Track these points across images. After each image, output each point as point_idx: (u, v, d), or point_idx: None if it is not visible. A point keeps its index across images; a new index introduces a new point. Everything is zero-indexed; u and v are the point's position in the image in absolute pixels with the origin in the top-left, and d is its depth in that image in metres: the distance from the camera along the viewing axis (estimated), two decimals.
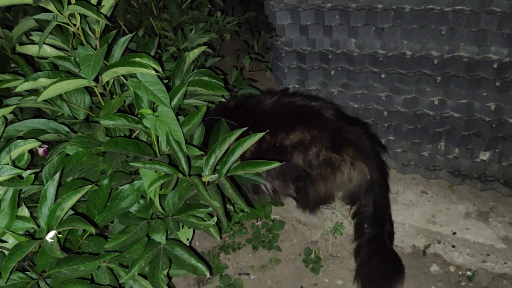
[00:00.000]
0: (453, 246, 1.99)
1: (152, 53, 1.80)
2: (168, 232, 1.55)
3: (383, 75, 2.00)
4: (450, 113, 2.00)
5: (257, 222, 2.27)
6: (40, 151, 1.57)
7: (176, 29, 2.56)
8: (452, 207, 2.10)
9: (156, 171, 1.36)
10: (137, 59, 1.41)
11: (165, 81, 1.75)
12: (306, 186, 1.92)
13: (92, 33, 1.50)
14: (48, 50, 1.44)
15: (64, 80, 1.30)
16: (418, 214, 2.09)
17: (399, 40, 1.92)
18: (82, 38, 1.46)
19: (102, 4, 1.43)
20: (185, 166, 1.42)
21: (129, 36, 1.53)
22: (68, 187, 1.36)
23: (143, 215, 1.52)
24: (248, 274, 2.05)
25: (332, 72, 2.09)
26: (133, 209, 1.49)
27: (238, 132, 1.50)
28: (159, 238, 1.47)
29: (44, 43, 1.44)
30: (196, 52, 1.79)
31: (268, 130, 1.52)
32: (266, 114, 1.89)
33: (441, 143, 2.08)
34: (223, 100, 1.90)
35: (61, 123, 1.56)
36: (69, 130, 1.54)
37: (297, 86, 2.24)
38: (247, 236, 2.20)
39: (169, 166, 1.37)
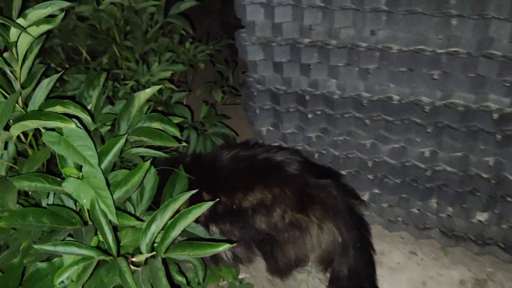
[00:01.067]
0: None
1: (97, 91, 1.53)
2: None
3: (367, 121, 1.74)
4: (443, 167, 1.74)
5: (221, 282, 1.97)
6: None
7: (142, 58, 2.30)
8: (444, 273, 1.83)
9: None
10: (57, 107, 1.14)
11: (107, 128, 1.49)
12: (273, 251, 1.64)
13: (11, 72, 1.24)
14: None
15: None
16: (406, 280, 1.81)
17: (385, 83, 1.67)
18: None
19: (18, 40, 1.16)
20: (112, 244, 1.13)
21: (54, 76, 1.26)
22: None
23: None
24: None
25: (310, 116, 1.83)
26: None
27: (185, 196, 1.22)
28: None
29: None
30: (148, 92, 1.52)
31: (217, 199, 1.25)
32: (222, 171, 1.63)
33: (433, 200, 1.82)
34: (181, 145, 1.63)
35: None
36: None
37: (271, 129, 1.98)
38: None
39: (88, 247, 1.08)
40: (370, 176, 1.87)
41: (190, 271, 1.81)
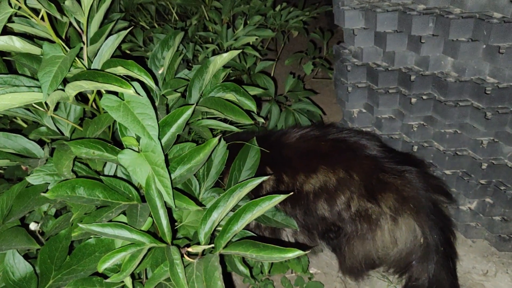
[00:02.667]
0: None
1: (170, 53, 1.37)
2: None
3: (489, 114, 1.39)
4: None
5: (288, 274, 1.78)
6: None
7: (232, 21, 2.12)
8: None
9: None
10: (119, 68, 0.99)
11: (177, 95, 1.33)
12: (341, 245, 1.40)
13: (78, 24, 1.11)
14: (17, 43, 1.07)
15: (8, 94, 0.92)
16: None
17: None
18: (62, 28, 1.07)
19: None
20: (166, 229, 0.98)
21: (122, 33, 1.12)
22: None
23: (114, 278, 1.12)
24: None
25: (414, 100, 1.51)
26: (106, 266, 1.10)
27: (255, 182, 1.03)
28: None
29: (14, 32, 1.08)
30: (225, 57, 1.33)
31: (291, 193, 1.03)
32: (287, 149, 1.42)
33: None
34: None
35: (39, 140, 1.21)
36: (41, 152, 1.18)
37: (363, 111, 1.70)
38: None
39: (140, 232, 0.94)
40: (483, 181, 1.52)
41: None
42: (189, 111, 1.09)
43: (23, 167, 1.26)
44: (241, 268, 1.27)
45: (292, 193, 1.02)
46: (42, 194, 0.94)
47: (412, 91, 1.51)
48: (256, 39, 2.01)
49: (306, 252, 0.90)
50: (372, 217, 1.32)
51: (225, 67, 1.44)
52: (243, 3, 2.24)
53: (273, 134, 1.55)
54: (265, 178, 1.06)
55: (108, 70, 1.01)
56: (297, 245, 1.48)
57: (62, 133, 1.28)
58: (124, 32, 1.12)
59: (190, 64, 1.84)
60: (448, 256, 1.34)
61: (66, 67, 0.95)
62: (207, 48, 1.85)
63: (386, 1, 1.42)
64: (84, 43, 1.13)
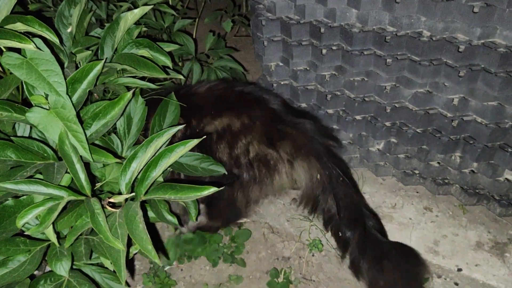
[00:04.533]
0: (456, 284, 1.58)
1: (77, 10, 1.33)
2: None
3: (389, 61, 1.52)
4: (473, 117, 1.52)
5: None
6: None
7: None
8: (460, 233, 1.67)
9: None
10: (18, 24, 0.97)
11: (88, 53, 1.31)
12: (233, 192, 1.53)
13: None
14: None
15: None
16: (417, 238, 1.67)
17: (415, 16, 1.42)
18: None
19: None
20: (84, 182, 1.00)
21: None
22: None
23: (43, 236, 1.13)
24: None
25: (324, 51, 1.60)
26: (28, 227, 1.10)
27: (170, 131, 1.07)
28: (61, 269, 1.09)
29: None
30: (137, 13, 1.32)
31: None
32: (197, 97, 1.49)
33: (456, 154, 1.62)
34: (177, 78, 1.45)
35: None
36: None
37: (280, 64, 1.77)
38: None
39: (57, 186, 0.95)
40: (388, 123, 1.67)
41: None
42: (98, 66, 1.09)
43: None
44: (169, 217, 1.32)
45: (204, 137, 1.07)
46: None
47: (323, 43, 1.60)
48: None
49: (220, 188, 0.97)
50: (270, 162, 1.47)
51: (139, 24, 1.43)
52: None
53: (183, 87, 1.61)
54: (180, 127, 1.10)
55: (6, 26, 0.97)
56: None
57: None
58: None
59: (104, 24, 1.78)
60: (347, 183, 1.51)
61: None
62: (121, 6, 1.80)
63: None
64: None
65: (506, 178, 1.59)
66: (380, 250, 1.44)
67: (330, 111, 1.77)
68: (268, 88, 1.80)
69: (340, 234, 1.51)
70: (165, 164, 1.02)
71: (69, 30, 1.35)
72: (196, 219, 1.53)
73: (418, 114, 1.59)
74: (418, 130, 1.62)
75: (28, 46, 0.91)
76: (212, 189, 0.96)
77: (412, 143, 1.65)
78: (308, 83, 1.76)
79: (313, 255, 1.76)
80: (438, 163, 1.68)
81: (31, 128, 1.16)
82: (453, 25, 1.40)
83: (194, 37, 2.17)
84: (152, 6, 1.37)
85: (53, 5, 1.86)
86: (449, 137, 1.57)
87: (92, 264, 1.27)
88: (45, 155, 1.08)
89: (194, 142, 1.02)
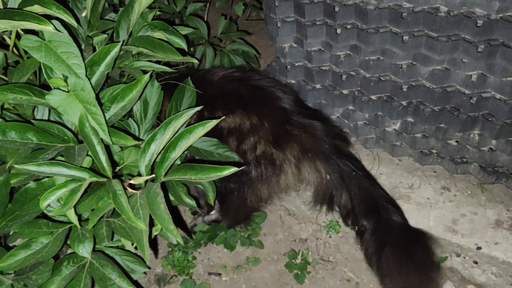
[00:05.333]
0: (475, 262, 1.57)
1: None
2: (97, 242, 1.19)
3: (406, 38, 1.49)
4: (492, 94, 1.50)
5: None
6: None
7: None
8: (479, 212, 1.66)
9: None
10: (35, 6, 0.97)
11: (104, 36, 1.31)
12: (243, 188, 1.55)
13: None
14: None
15: None
16: (435, 218, 1.66)
17: None
18: None
19: None
20: (105, 164, 1.01)
21: None
22: None
23: (65, 218, 1.15)
24: (219, 274, 1.70)
25: (339, 31, 1.58)
26: (51, 209, 1.12)
27: (189, 112, 1.07)
28: (84, 250, 1.11)
29: None
30: None
31: (223, 117, 1.09)
32: (210, 87, 1.47)
33: (475, 131, 1.60)
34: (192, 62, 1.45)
35: None
36: None
37: (294, 45, 1.75)
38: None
39: (79, 168, 0.96)
40: (404, 102, 1.65)
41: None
42: (116, 48, 1.09)
43: None
44: (187, 200, 1.33)
45: (224, 117, 1.07)
46: None
47: (337, 22, 1.57)
48: None
49: (241, 168, 0.97)
50: (276, 162, 1.48)
51: (152, 8, 1.42)
52: None
53: (197, 72, 1.60)
54: (198, 108, 1.10)
55: (27, 8, 0.97)
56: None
57: None
58: None
59: (117, 9, 1.78)
60: (362, 176, 1.51)
61: None
62: None
63: None
64: None
65: None
66: (394, 240, 1.44)
67: (345, 91, 1.75)
68: (281, 82, 1.80)
69: (357, 228, 1.53)
70: (184, 145, 1.02)
71: (83, 14, 1.35)
72: (214, 203, 1.54)
73: (435, 92, 1.57)
74: (435, 109, 1.60)
75: (47, 28, 0.91)
76: (233, 169, 0.96)
77: (430, 122, 1.63)
78: (323, 64, 1.74)
79: (330, 237, 1.77)
80: (456, 141, 1.66)
81: (49, 111, 1.17)
82: (471, 0, 1.37)
83: (204, 20, 2.15)
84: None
85: None
86: (467, 114, 1.55)
87: (112, 247, 1.29)
88: (65, 138, 1.09)
89: (213, 122, 1.01)
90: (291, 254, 1.70)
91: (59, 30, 0.95)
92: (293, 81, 1.86)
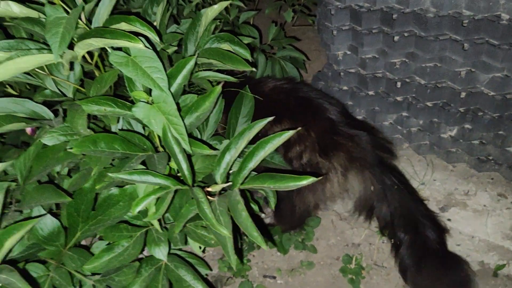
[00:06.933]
0: None
1: (161, 8, 1.40)
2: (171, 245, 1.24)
3: (466, 45, 1.49)
4: None
5: None
6: (28, 129, 1.28)
7: None
8: None
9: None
10: (122, 24, 1.03)
11: (174, 49, 1.37)
12: (291, 194, 1.57)
13: None
14: (14, 8, 1.08)
15: (21, 57, 0.95)
16: (492, 225, 1.65)
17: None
18: None
19: None
20: (186, 172, 1.06)
21: None
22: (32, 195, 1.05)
23: (141, 223, 1.21)
24: (274, 277, 1.74)
25: (396, 38, 1.59)
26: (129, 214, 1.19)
27: (260, 124, 1.11)
28: (160, 253, 1.17)
29: None
30: (216, 8, 1.37)
31: (299, 128, 1.14)
32: (261, 96, 1.51)
33: None
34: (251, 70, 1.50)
35: (43, 103, 1.23)
36: (51, 114, 1.22)
37: (348, 53, 1.77)
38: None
39: (164, 176, 1.01)
40: (462, 109, 1.65)
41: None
42: (192, 62, 1.14)
43: (28, 131, 1.30)
44: (251, 205, 1.38)
45: (299, 128, 1.11)
46: (68, 149, 1.00)
47: (395, 29, 1.59)
48: None
49: (319, 178, 1.00)
50: (322, 171, 1.53)
51: (215, 19, 1.47)
52: None
53: (250, 80, 1.66)
54: (270, 118, 1.14)
55: (112, 26, 1.04)
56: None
57: (65, 95, 1.31)
58: None
59: (177, 20, 1.84)
60: (405, 189, 1.54)
61: (72, 27, 0.98)
62: (190, 2, 1.86)
63: None
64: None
65: None
66: (428, 258, 1.46)
67: (400, 98, 1.76)
68: (329, 94, 1.84)
69: (393, 241, 1.56)
70: (261, 155, 1.07)
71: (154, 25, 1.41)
72: (275, 207, 1.59)
73: (495, 99, 1.55)
74: (494, 115, 1.59)
75: (138, 45, 0.97)
76: (311, 179, 0.99)
77: (488, 128, 1.62)
78: (377, 71, 1.75)
79: (383, 242, 1.77)
80: None
81: (123, 119, 1.24)
82: None
83: (251, 24, 2.20)
84: (229, 2, 1.41)
85: (124, 3, 1.94)
86: None
87: (180, 250, 1.35)
88: (145, 147, 1.15)
89: (290, 133, 1.05)
90: (345, 258, 1.72)
91: (147, 47, 1.01)
92: (345, 88, 1.88)
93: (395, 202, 1.53)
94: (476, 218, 1.68)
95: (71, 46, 1.03)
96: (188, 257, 1.37)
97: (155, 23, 1.41)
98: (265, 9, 2.27)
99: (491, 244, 1.61)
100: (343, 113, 1.62)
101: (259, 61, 2.00)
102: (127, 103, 1.11)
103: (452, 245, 1.66)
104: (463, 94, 1.61)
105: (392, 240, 1.56)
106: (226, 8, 1.99)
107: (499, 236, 1.61)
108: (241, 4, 1.87)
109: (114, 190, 1.14)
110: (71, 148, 1.03)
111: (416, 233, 1.49)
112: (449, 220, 1.70)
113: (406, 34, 1.58)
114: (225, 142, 1.39)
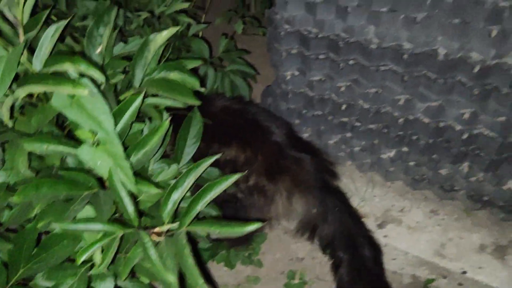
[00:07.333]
0: (460, 284, 1.71)
1: (108, 30, 1.35)
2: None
3: (406, 77, 1.58)
4: (482, 131, 1.61)
5: None
6: None
7: None
8: (465, 236, 1.79)
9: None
10: (66, 64, 0.99)
11: (121, 78, 1.34)
12: (237, 215, 1.65)
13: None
14: None
15: None
16: (424, 242, 1.78)
17: (433, 35, 1.47)
18: None
19: None
20: (132, 216, 1.05)
21: (62, 23, 1.09)
22: None
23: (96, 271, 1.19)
24: None
25: (342, 65, 1.65)
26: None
27: (207, 162, 1.13)
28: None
29: None
30: (165, 35, 1.34)
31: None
32: (209, 117, 1.52)
33: (465, 164, 1.71)
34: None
35: None
36: None
37: (296, 73, 1.81)
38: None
39: (109, 223, 1.01)
40: (400, 133, 1.75)
41: None
42: (138, 100, 1.13)
43: None
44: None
45: (246, 171, 1.14)
46: (11, 199, 0.96)
47: (340, 57, 1.64)
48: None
49: (264, 224, 1.04)
50: (267, 193, 1.59)
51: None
52: None
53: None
54: (218, 156, 1.16)
55: (56, 67, 1.00)
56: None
57: (1, 122, 1.24)
58: (64, 22, 1.09)
59: (121, 31, 1.79)
60: (346, 211, 1.63)
61: (13, 68, 0.93)
62: (138, 15, 1.80)
63: None
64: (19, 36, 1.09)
65: (509, 187, 1.69)
66: (363, 275, 1.55)
67: (344, 119, 1.83)
68: (277, 111, 1.94)
69: (333, 260, 1.63)
70: (209, 197, 1.08)
71: (98, 50, 1.36)
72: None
73: (430, 126, 1.66)
74: (429, 141, 1.70)
75: (83, 93, 0.94)
76: (256, 225, 1.02)
77: (423, 153, 1.74)
78: (324, 92, 1.81)
79: (325, 256, 1.86)
80: (447, 171, 1.78)
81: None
82: (468, 45, 1.45)
83: (200, 36, 2.18)
84: (179, 28, 1.39)
85: (67, 8, 1.85)
86: (458, 148, 1.66)
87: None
88: (90, 184, 1.13)
89: (236, 176, 1.08)
90: (290, 274, 1.79)
91: (91, 87, 0.98)
92: (293, 106, 1.92)
93: (335, 223, 1.60)
94: (410, 234, 1.81)
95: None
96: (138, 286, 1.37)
97: (101, 47, 1.36)
98: (214, 21, 2.26)
99: (423, 260, 1.74)
100: (289, 135, 1.67)
101: (209, 75, 1.99)
102: (71, 142, 1.08)
103: (388, 260, 1.78)
104: (401, 120, 1.71)
105: (333, 259, 1.64)
106: (176, 20, 1.96)
107: (430, 252, 1.75)
108: (191, 21, 1.84)
109: (58, 230, 1.11)
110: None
111: (354, 252, 1.57)
112: (385, 236, 1.81)
113: (350, 62, 1.64)
114: (173, 167, 1.39)
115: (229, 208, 1.63)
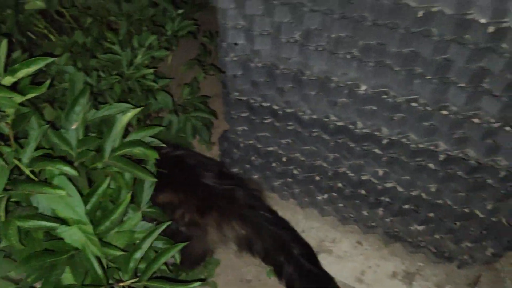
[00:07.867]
0: None
1: (83, 110, 1.65)
2: None
3: (332, 143, 1.93)
4: (393, 184, 1.98)
5: None
6: None
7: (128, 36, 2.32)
8: (382, 264, 2.18)
9: None
10: (48, 167, 1.31)
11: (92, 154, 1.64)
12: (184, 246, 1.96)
13: None
14: None
15: None
16: (349, 269, 2.17)
17: (351, 115, 1.82)
18: None
19: None
20: (102, 277, 1.39)
21: (44, 127, 1.39)
22: None
23: None
24: None
25: (282, 129, 1.99)
26: None
27: (160, 229, 1.49)
28: None
29: None
30: (130, 115, 1.65)
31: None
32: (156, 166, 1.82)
33: (380, 209, 2.09)
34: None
35: None
36: None
37: (246, 129, 2.15)
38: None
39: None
40: (331, 183, 2.11)
41: None
42: (105, 184, 1.45)
43: None
44: None
45: (188, 242, 1.48)
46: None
47: (280, 122, 1.98)
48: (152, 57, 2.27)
49: (205, 281, 1.40)
50: (201, 226, 1.93)
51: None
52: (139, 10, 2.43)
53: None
54: (168, 223, 1.50)
55: (40, 166, 1.31)
56: None
57: None
58: (45, 127, 1.39)
59: (94, 92, 2.07)
60: (278, 224, 1.94)
61: (6, 175, 1.24)
62: (111, 75, 2.09)
63: (257, 59, 1.81)
64: None
65: (416, 228, 2.08)
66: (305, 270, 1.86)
67: (286, 167, 2.19)
68: (210, 159, 2.29)
69: (276, 268, 1.94)
70: (164, 259, 1.43)
71: (74, 126, 1.66)
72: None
73: (353, 178, 2.03)
74: (352, 190, 2.07)
75: (61, 193, 1.26)
76: (197, 283, 1.38)
77: (348, 199, 2.11)
78: (268, 145, 2.15)
79: (270, 278, 2.24)
80: (367, 213, 2.16)
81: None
82: (378, 124, 1.81)
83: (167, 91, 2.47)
84: (139, 110, 1.69)
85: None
86: (375, 197, 2.03)
87: None
88: (67, 248, 1.45)
89: (181, 245, 1.43)
90: None
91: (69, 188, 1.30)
92: (243, 155, 2.27)
93: (267, 235, 1.90)
94: (338, 263, 2.20)
95: None
96: None
97: (76, 123, 1.66)
98: (179, 65, 2.55)
99: (346, 285, 2.13)
100: (220, 176, 1.99)
101: (172, 123, 2.31)
102: (53, 218, 1.40)
103: None
104: (330, 172, 2.06)
105: (275, 265, 1.93)
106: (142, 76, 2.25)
107: (352, 278, 2.14)
108: (155, 85, 2.14)
109: None
110: None
111: (290, 253, 1.87)
112: None
113: (289, 127, 1.98)
114: (137, 215, 1.71)
115: (178, 238, 1.96)
